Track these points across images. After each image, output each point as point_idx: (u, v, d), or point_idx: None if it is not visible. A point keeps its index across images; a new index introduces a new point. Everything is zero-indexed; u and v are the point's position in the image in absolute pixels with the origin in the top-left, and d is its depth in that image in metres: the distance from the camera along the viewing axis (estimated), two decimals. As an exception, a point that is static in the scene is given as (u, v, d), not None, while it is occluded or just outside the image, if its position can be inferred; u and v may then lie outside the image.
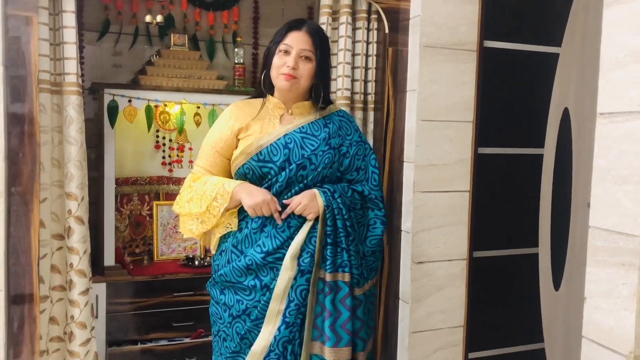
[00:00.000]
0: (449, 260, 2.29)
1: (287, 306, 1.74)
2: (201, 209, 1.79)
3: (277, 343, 1.74)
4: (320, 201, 1.77)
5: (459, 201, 2.28)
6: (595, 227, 1.14)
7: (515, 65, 2.36)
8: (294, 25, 1.80)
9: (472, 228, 2.31)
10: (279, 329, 1.74)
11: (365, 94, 2.50)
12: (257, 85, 1.93)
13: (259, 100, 1.90)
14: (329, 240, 1.77)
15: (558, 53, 2.23)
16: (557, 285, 2.19)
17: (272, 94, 1.88)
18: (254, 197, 1.75)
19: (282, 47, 1.78)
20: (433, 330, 2.29)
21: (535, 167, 2.34)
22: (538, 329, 2.29)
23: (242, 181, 1.82)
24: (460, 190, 2.28)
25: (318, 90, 1.84)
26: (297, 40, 1.78)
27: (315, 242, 1.76)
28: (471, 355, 2.37)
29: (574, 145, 2.12)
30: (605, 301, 1.11)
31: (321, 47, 1.80)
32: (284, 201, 1.79)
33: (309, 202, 1.77)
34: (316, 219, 1.78)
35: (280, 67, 1.78)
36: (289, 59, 1.77)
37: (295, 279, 1.74)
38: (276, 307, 1.75)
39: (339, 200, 1.79)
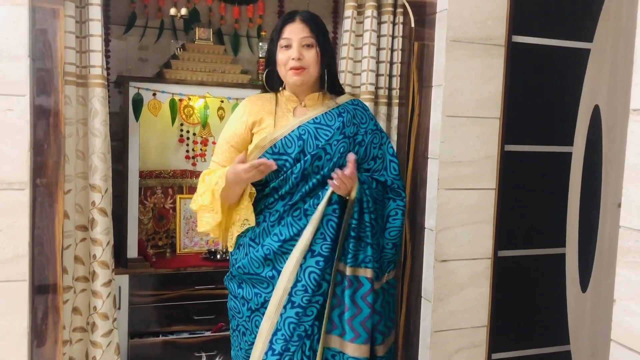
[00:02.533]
0: (473, 259, 2.25)
1: (294, 285, 1.72)
2: (210, 197, 1.78)
3: (283, 322, 1.72)
4: (355, 187, 1.74)
5: (485, 199, 2.24)
6: (626, 227, 1.10)
7: (544, 61, 2.31)
8: (287, 18, 1.80)
9: (497, 227, 2.27)
10: (284, 307, 1.72)
11: (390, 89, 2.47)
12: (262, 84, 1.93)
13: (273, 95, 1.89)
14: (352, 234, 1.74)
15: (589, 49, 2.17)
16: (584, 286, 2.14)
17: (284, 88, 1.87)
18: (240, 168, 1.69)
19: (282, 42, 1.78)
20: (455, 329, 2.25)
21: (563, 166, 2.29)
22: (564, 330, 2.24)
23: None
24: (486, 188, 2.24)
25: (324, 76, 1.83)
26: (294, 31, 1.77)
27: (332, 225, 1.74)
28: (494, 356, 2.33)
29: (604, 143, 2.06)
30: (636, 304, 1.08)
31: (319, 33, 1.80)
32: (337, 170, 1.72)
33: (353, 178, 1.73)
34: (330, 204, 1.75)
35: (286, 61, 1.77)
36: (292, 51, 1.76)
37: (305, 258, 1.73)
38: (283, 285, 1.73)
39: (367, 192, 1.77)
